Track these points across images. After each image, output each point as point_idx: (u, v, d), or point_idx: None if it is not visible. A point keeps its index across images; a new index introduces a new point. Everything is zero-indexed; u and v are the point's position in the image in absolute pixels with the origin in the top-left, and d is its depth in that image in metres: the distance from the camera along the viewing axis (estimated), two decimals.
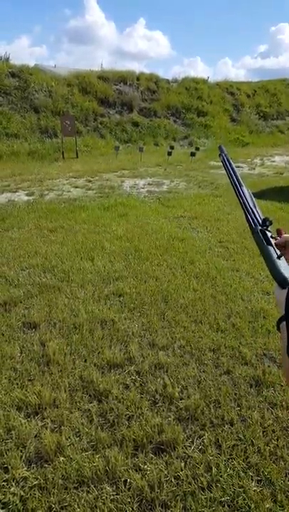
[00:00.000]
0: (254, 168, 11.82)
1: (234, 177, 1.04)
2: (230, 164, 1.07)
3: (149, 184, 9.13)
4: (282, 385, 2.37)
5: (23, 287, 3.61)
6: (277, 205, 6.78)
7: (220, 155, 1.15)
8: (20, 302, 3.34)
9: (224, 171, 1.09)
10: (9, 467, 1.82)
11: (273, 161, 13.38)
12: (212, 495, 1.70)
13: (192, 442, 1.98)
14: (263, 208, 6.94)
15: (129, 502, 1.68)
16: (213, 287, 3.66)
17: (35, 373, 2.46)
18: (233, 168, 1.06)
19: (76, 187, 8.59)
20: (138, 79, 18.47)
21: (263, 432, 2.04)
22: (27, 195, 7.70)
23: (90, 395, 2.28)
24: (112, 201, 7.02)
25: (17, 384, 2.36)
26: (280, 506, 1.67)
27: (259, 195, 7.64)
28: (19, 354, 2.66)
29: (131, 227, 5.50)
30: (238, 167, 12.13)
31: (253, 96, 21.63)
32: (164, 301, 3.39)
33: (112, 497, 1.70)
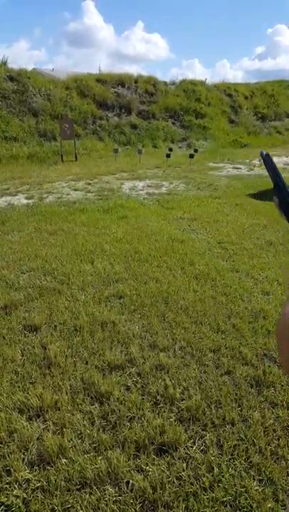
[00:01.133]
0: (253, 169, 11.84)
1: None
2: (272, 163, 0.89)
3: (148, 186, 9.14)
4: (282, 385, 2.38)
5: (23, 290, 3.62)
6: None
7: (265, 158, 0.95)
8: (21, 305, 3.35)
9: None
10: (12, 469, 1.83)
11: None
12: (214, 495, 1.71)
13: (194, 443, 1.98)
14: (262, 209, 7.01)
15: (131, 503, 1.68)
16: (213, 288, 3.67)
17: (37, 376, 2.47)
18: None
19: (75, 190, 8.60)
20: (136, 81, 18.52)
21: (264, 431, 2.05)
22: (26, 198, 7.71)
23: (91, 397, 2.29)
24: (111, 203, 7.03)
25: (18, 387, 2.37)
26: (281, 505, 1.67)
27: (258, 196, 7.67)
28: (20, 357, 2.67)
29: (130, 229, 5.51)
30: (237, 168, 12.17)
31: (250, 97, 21.68)
32: (165, 302, 3.40)
33: (114, 498, 1.70)
